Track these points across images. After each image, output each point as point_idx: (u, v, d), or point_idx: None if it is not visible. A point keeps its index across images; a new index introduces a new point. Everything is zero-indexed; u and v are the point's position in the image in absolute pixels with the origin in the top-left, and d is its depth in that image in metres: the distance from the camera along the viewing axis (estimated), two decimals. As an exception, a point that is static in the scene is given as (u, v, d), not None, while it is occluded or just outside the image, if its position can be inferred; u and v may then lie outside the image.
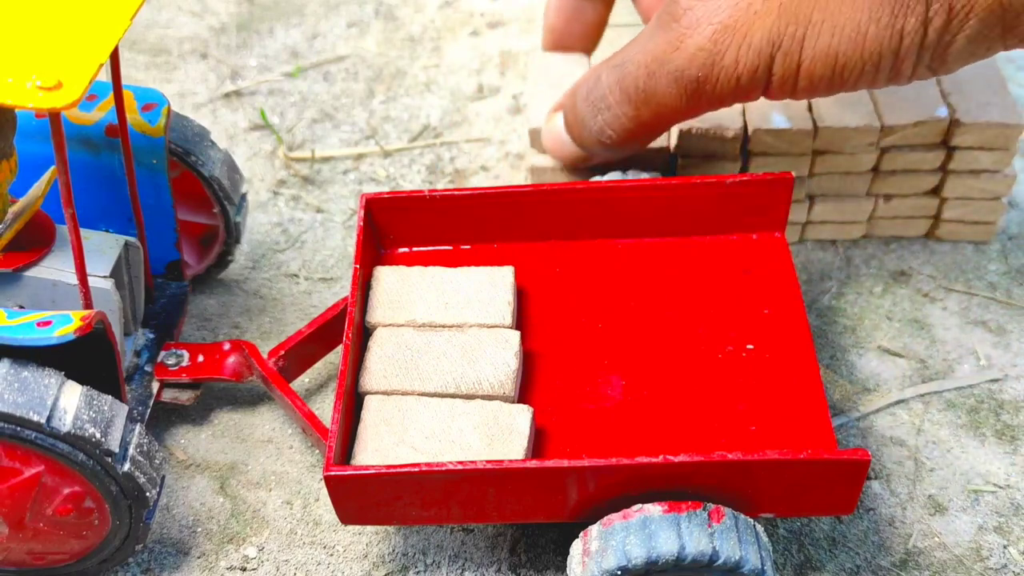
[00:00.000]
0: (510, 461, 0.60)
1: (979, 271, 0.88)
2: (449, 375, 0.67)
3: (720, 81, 0.66)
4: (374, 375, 0.67)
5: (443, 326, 0.70)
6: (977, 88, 0.84)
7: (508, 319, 0.70)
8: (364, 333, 0.71)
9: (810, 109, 0.82)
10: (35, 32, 0.57)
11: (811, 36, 0.63)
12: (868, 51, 0.63)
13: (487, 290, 0.71)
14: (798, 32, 0.63)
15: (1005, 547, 0.71)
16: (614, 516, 0.61)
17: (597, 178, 0.80)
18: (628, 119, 0.71)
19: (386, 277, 0.72)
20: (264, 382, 0.75)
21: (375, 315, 0.71)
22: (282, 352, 0.75)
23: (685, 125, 0.80)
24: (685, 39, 0.65)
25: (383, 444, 0.64)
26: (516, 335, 0.69)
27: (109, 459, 0.61)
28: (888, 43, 0.63)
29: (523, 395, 0.69)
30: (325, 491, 0.73)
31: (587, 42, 0.87)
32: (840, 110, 0.81)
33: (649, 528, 0.59)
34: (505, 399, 0.66)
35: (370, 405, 0.66)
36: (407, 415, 0.65)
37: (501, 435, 0.64)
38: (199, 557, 0.70)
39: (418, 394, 0.66)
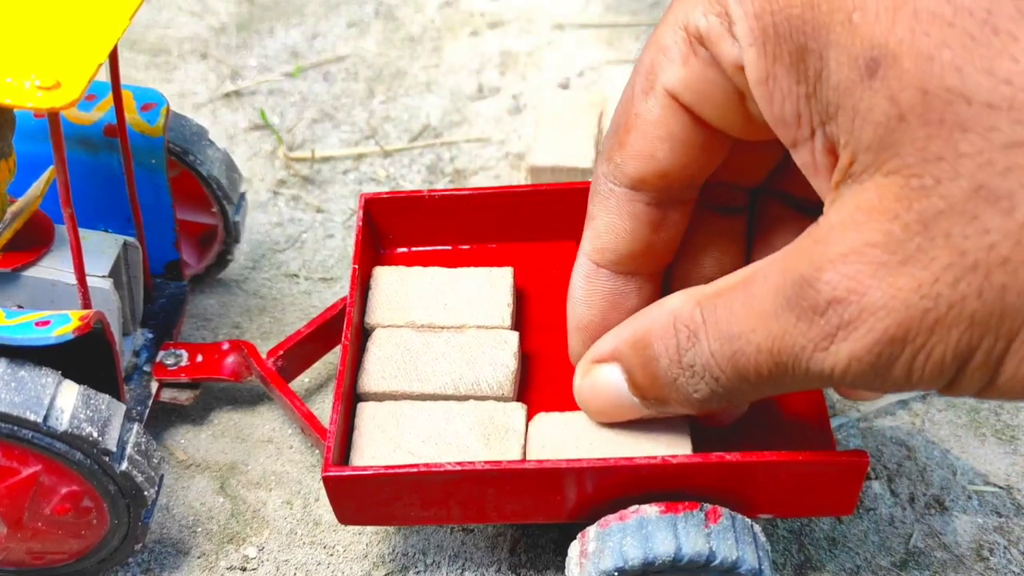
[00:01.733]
0: (508, 462, 0.60)
1: (979, 271, 0.87)
2: (448, 376, 0.66)
3: (883, 387, 0.51)
4: (372, 376, 0.67)
5: (442, 327, 0.69)
6: None
7: (507, 320, 0.70)
8: (363, 334, 0.71)
9: None
10: (34, 32, 0.57)
11: (1014, 358, 0.47)
12: None
13: (486, 291, 0.71)
14: (998, 347, 0.47)
15: (1005, 547, 0.71)
16: (611, 517, 0.60)
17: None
18: (745, 394, 0.56)
19: (385, 277, 0.72)
20: (263, 382, 0.75)
21: (374, 316, 0.70)
22: (281, 352, 0.75)
23: None
24: (835, 342, 0.49)
25: (379, 451, 0.63)
26: (515, 336, 0.68)
27: (107, 458, 0.61)
28: None
29: (522, 396, 0.68)
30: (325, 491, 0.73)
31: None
32: None
33: (646, 529, 0.59)
34: (504, 400, 0.66)
35: (364, 411, 0.66)
36: (401, 420, 0.65)
37: (497, 434, 0.64)
38: (199, 557, 0.70)
39: (416, 396, 0.66)
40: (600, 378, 0.60)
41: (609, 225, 0.60)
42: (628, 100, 0.58)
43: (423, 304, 0.71)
